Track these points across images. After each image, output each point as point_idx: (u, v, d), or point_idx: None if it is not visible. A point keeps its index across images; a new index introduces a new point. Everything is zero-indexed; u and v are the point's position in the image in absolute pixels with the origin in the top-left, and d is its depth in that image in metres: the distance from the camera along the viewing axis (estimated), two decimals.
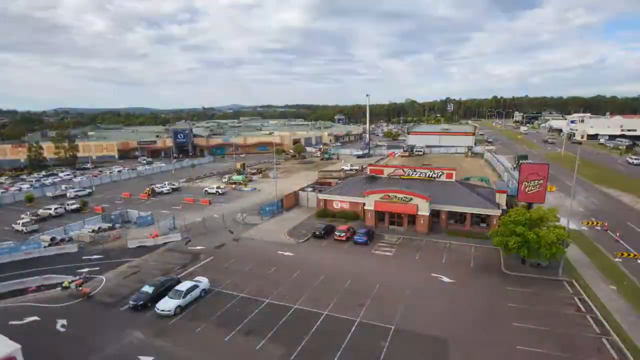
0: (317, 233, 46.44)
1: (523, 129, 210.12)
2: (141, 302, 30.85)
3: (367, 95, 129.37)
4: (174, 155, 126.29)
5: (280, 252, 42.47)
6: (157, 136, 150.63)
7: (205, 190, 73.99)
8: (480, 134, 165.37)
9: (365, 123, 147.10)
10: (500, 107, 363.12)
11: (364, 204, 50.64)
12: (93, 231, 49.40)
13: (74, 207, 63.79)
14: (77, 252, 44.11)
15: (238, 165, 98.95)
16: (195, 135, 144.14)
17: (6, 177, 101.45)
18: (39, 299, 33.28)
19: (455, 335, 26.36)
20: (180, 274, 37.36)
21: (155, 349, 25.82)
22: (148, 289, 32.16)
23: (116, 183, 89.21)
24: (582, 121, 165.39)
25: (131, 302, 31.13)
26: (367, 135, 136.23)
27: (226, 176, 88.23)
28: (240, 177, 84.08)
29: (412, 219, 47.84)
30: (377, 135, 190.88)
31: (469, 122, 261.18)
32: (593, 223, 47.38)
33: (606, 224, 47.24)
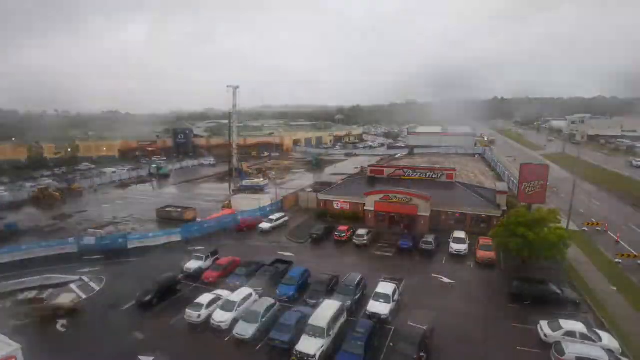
0: (318, 234, 46.41)
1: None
2: (145, 300, 31.15)
3: (232, 87, 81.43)
4: (174, 155, 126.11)
5: (280, 252, 42.42)
6: (158, 136, 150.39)
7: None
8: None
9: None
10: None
11: (364, 205, 50.64)
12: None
13: None
14: (77, 252, 44.07)
15: (243, 166, 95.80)
16: (195, 136, 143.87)
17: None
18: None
19: (455, 336, 26.34)
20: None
21: (155, 349, 25.78)
22: (152, 287, 32.26)
23: None
24: (583, 122, 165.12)
25: (137, 300, 31.48)
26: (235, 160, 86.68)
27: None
28: (260, 181, 74.65)
29: (413, 219, 47.84)
30: (377, 136, 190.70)
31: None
32: (593, 224, 47.35)
33: (606, 225, 47.22)
